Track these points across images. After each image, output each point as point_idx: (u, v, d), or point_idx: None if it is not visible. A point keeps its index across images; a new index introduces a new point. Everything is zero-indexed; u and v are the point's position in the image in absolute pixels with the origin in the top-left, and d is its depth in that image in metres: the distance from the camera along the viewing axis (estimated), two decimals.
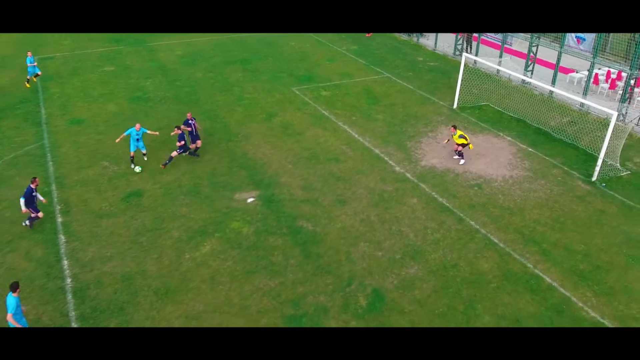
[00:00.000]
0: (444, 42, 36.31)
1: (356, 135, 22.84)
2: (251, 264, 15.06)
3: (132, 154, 19.45)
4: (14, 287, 11.47)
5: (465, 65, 26.31)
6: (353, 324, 13.07)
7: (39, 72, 26.99)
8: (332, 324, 13.06)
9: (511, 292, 14.30)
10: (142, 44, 34.48)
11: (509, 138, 23.09)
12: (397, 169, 20.26)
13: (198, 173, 19.43)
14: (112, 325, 12.73)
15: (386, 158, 21.01)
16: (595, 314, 13.61)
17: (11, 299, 11.43)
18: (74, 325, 12.73)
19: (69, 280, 14.20)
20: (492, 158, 21.23)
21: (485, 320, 13.32)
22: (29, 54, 26.78)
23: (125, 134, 19.28)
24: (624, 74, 28.95)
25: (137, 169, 19.17)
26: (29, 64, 26.44)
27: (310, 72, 30.53)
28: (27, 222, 16.05)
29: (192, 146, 20.34)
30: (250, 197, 18.10)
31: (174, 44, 34.87)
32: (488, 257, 15.60)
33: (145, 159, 20.06)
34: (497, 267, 15.20)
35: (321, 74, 30.26)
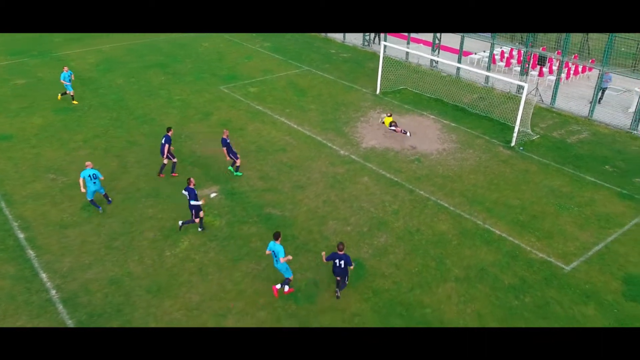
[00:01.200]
0: (352, 34, 38.26)
1: (295, 126, 23.88)
2: (233, 252, 15.65)
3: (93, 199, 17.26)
4: (277, 235, 13.50)
5: (375, 54, 28.22)
6: (344, 291, 14.19)
7: (71, 92, 25.50)
8: (326, 295, 14.10)
9: (470, 246, 16.18)
10: (47, 55, 32.92)
11: (432, 116, 25.32)
12: (342, 152, 21.61)
13: (153, 175, 19.46)
14: (114, 326, 12.81)
15: (329, 144, 22.29)
16: (543, 254, 15.85)
17: (277, 245, 13.39)
18: None
19: (53, 291, 13.95)
20: (422, 135, 23.26)
21: (456, 272, 15.04)
22: (65, 69, 25.13)
23: (81, 177, 16.84)
24: (514, 53, 32.60)
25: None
26: (64, 81, 24.97)
27: (232, 70, 31.03)
28: (200, 228, 16.53)
29: (238, 161, 19.61)
30: (212, 193, 18.54)
31: (84, 52, 33.65)
32: (443, 219, 17.41)
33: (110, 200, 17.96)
34: (453, 227, 17.05)
35: (243, 71, 30.87)
